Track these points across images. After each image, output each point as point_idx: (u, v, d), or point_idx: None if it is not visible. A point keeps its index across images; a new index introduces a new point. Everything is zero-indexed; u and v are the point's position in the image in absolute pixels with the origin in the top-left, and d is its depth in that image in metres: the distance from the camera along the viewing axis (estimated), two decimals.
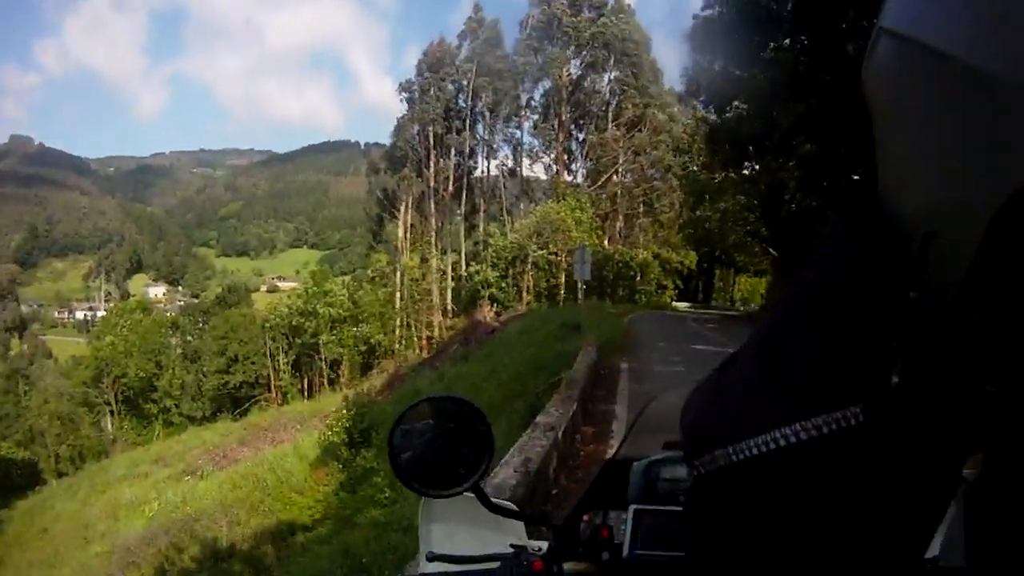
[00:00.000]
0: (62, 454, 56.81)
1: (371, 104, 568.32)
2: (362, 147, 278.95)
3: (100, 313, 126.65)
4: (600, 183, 61.54)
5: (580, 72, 63.44)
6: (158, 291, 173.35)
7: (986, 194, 0.61)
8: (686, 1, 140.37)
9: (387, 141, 72.08)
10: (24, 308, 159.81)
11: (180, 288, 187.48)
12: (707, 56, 35.36)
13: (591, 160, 63.85)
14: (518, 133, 67.14)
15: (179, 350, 70.03)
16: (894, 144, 0.81)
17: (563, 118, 62.80)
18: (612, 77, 63.24)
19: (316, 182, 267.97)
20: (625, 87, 61.67)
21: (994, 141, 0.61)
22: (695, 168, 52.67)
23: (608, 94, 63.71)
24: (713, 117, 38.82)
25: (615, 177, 62.11)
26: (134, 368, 63.36)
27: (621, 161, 61.40)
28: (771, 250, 44.14)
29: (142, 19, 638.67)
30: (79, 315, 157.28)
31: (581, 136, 65.28)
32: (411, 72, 72.56)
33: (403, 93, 66.76)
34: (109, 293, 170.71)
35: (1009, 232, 0.59)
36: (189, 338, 72.78)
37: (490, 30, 65.23)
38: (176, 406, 64.51)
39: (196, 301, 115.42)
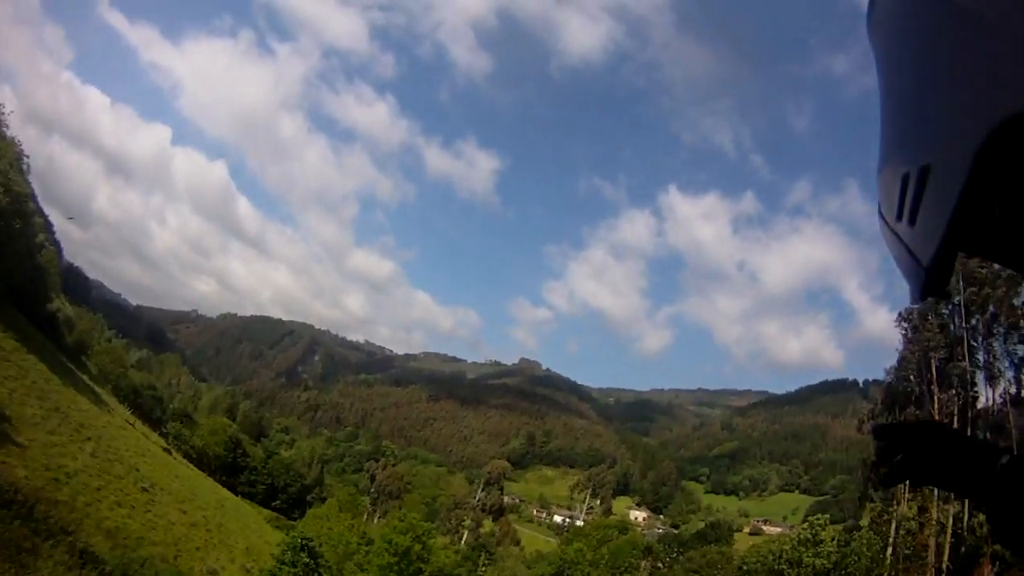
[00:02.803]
0: None
1: (869, 338, 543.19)
2: (860, 385, 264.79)
3: (579, 522, 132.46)
4: None
5: None
6: (640, 515, 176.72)
7: (972, 126, 0.70)
8: None
9: (883, 376, 66.52)
10: (506, 499, 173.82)
11: (662, 516, 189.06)
12: None
13: None
14: (1021, 349, 56.31)
15: (646, 574, 69.46)
16: (895, 88, 0.97)
17: None
18: None
19: (813, 424, 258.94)
20: None
21: (979, 75, 0.71)
22: None
23: None
24: None
25: None
26: None
27: None
28: None
29: (641, 266, 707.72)
30: (557, 519, 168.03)
31: None
32: (906, 300, 66.94)
33: (902, 323, 62.49)
34: (591, 508, 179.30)
35: (995, 163, 0.68)
36: (660, 564, 72.24)
37: None
38: None
39: (676, 531, 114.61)
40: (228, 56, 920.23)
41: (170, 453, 60.55)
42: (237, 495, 74.40)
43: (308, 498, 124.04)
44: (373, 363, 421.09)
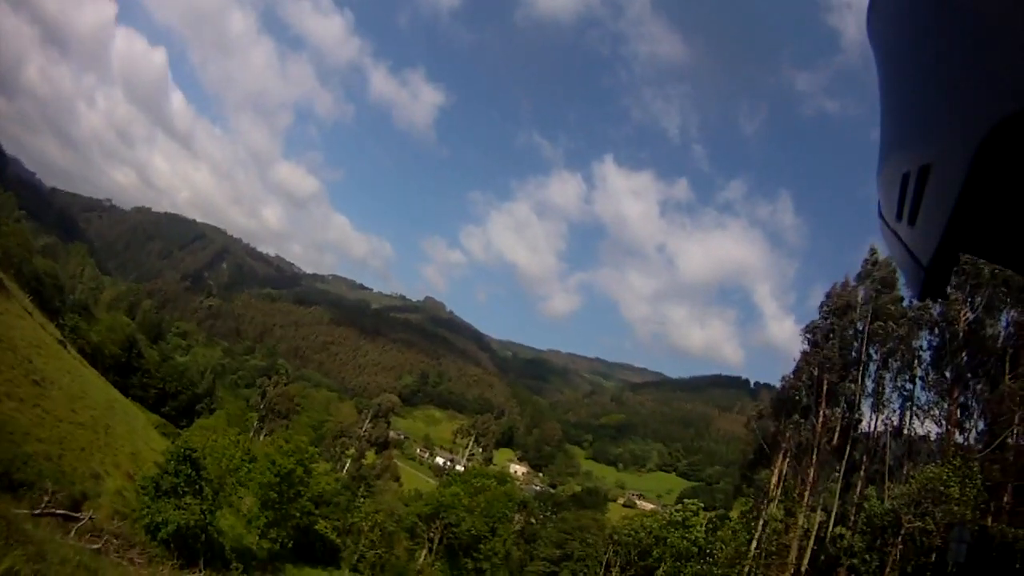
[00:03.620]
0: (367, 557, 60.48)
1: (768, 342, 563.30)
2: (752, 385, 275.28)
3: (459, 467, 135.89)
4: (992, 447, 52.07)
5: (976, 315, 55.66)
6: (520, 469, 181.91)
7: (972, 126, 0.69)
8: None
9: (777, 383, 70.28)
10: (392, 433, 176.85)
11: (541, 474, 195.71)
12: None
13: (986, 418, 54.75)
14: (910, 386, 60.11)
15: (518, 527, 72.06)
16: (895, 87, 0.97)
17: (956, 369, 55.33)
18: (1011, 319, 54.66)
19: (701, 413, 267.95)
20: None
21: (979, 75, 0.70)
22: None
23: (1005, 339, 54.64)
24: None
25: (1010, 440, 52.38)
26: (469, 523, 66.10)
27: (1016, 420, 51.73)
28: None
29: (562, 228, 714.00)
30: (439, 460, 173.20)
31: (979, 387, 56.68)
32: (813, 314, 70.21)
33: (806, 335, 65.26)
34: (473, 454, 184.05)
35: (995, 162, 0.68)
36: (533, 520, 74.64)
37: (885, 269, 61.29)
38: (492, 571, 66.01)
39: (553, 491, 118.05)
40: None
41: (65, 347, 58.98)
42: (128, 397, 73.32)
43: (198, 407, 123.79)
44: (280, 279, 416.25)
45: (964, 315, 55.01)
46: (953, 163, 0.76)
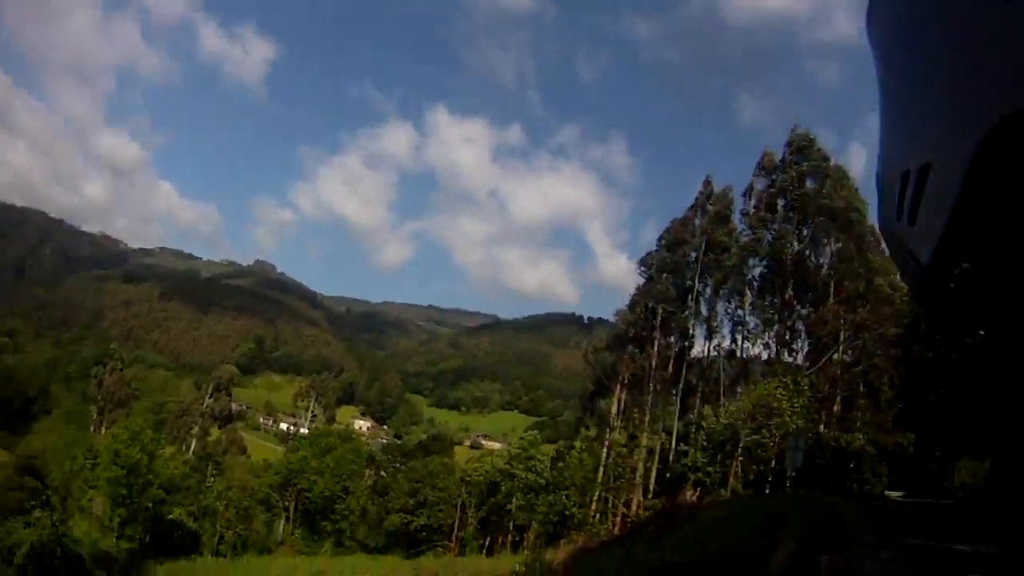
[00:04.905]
0: (227, 538, 59.10)
1: (601, 280, 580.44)
2: (585, 321, 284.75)
3: (304, 430, 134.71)
4: (820, 363, 57.30)
5: (803, 246, 60.92)
6: (364, 425, 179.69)
7: (972, 125, 0.70)
8: None
9: (611, 317, 72.93)
10: (234, 405, 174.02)
11: (385, 427, 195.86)
12: None
13: (812, 338, 60.03)
14: (740, 312, 64.53)
15: (370, 481, 72.39)
16: (894, 87, 0.95)
17: (786, 295, 60.00)
18: (833, 250, 60.03)
19: (537, 351, 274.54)
20: (847, 259, 58.05)
21: (979, 74, 0.70)
22: (915, 346, 47.39)
23: (829, 268, 60.31)
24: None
25: (835, 356, 57.87)
26: (321, 485, 65.18)
27: (842, 339, 57.19)
28: (999, 428, 38.89)
29: (393, 178, 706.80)
30: (283, 426, 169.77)
31: (804, 312, 61.82)
32: (646, 247, 72.81)
33: (642, 268, 67.41)
34: (315, 415, 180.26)
35: (995, 161, 0.68)
36: (383, 473, 75.21)
37: (720, 202, 65.02)
38: (351, 529, 66.01)
39: (399, 442, 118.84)
40: None
41: None
42: None
43: (32, 411, 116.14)
44: (107, 258, 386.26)
45: (791, 246, 59.49)
46: (953, 162, 0.75)
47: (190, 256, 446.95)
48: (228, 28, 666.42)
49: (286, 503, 65.72)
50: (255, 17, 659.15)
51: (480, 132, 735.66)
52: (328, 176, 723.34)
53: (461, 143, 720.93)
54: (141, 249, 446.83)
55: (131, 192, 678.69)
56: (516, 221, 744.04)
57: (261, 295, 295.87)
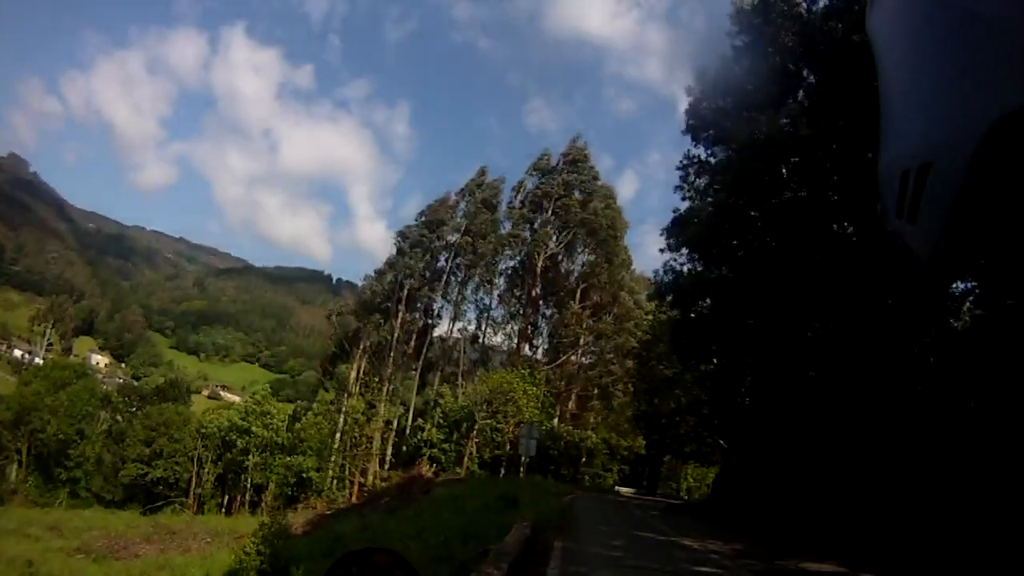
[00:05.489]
0: None
1: (356, 243, 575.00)
2: (334, 281, 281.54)
3: (38, 360, 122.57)
4: (558, 362, 61.98)
5: (558, 250, 64.82)
6: (101, 360, 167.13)
7: (972, 124, 0.70)
8: (670, 198, 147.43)
9: (359, 281, 73.89)
10: None
11: (124, 365, 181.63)
12: (678, 255, 35.29)
13: (553, 338, 64.76)
14: (487, 300, 68.21)
15: (105, 426, 68.29)
16: (894, 86, 0.96)
17: (533, 292, 64.14)
18: (586, 260, 65.20)
19: (282, 304, 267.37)
20: (597, 271, 63.25)
21: (979, 74, 0.71)
22: (651, 362, 52.72)
23: (579, 276, 65.07)
24: (678, 315, 37.66)
25: (574, 357, 62.79)
26: (55, 427, 61.59)
27: (582, 343, 62.25)
28: (721, 441, 44.50)
29: (171, 92, 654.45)
30: (16, 353, 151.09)
31: (548, 312, 66.44)
32: (406, 221, 73.51)
33: (398, 239, 68.24)
34: (51, 344, 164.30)
35: (995, 161, 0.68)
36: (119, 418, 70.98)
37: (490, 190, 67.67)
38: (87, 479, 62.30)
39: (136, 383, 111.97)
40: None
41: None
42: None
43: None
44: None
45: (546, 248, 63.35)
46: (953, 161, 0.77)
47: None
48: None
49: (18, 444, 60.69)
50: None
51: (272, 64, 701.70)
52: (106, 71, 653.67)
53: (249, 71, 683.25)
54: None
55: None
56: (284, 166, 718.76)
57: (8, 195, 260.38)
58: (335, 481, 57.86)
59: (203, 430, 64.81)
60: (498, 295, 67.21)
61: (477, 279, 67.33)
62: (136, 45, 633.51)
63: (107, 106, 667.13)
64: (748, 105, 28.16)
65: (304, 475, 57.51)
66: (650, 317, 54.37)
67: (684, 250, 34.39)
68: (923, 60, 0.85)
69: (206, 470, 62.28)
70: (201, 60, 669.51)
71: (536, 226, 64.63)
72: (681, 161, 33.95)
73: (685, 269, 35.11)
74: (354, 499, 51.56)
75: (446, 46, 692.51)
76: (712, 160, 32.46)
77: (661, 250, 34.89)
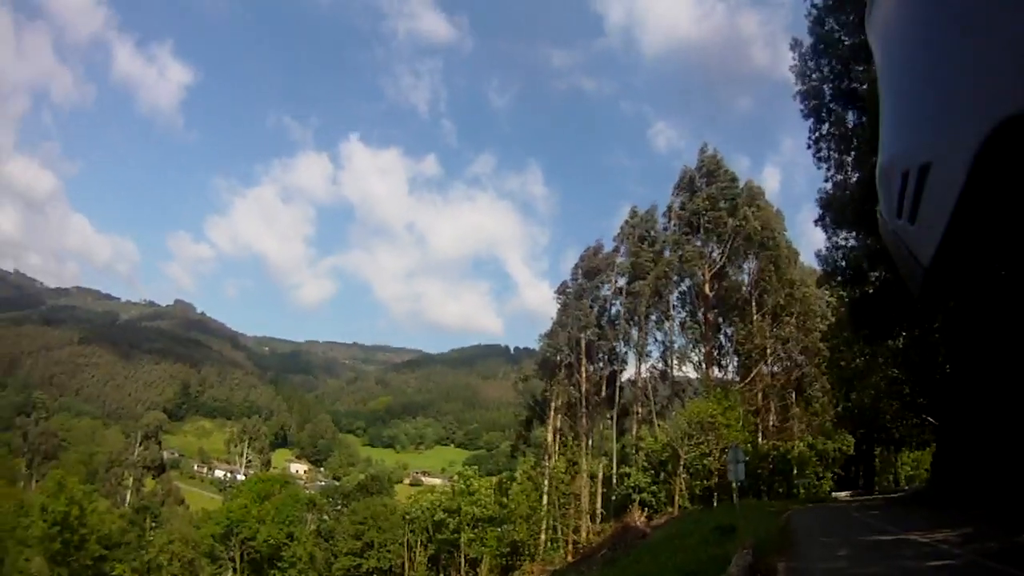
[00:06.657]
0: None
1: (524, 309, 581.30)
2: (511, 351, 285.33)
3: (240, 476, 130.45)
4: (750, 377, 59.27)
5: (722, 264, 62.83)
6: (300, 468, 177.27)
7: (972, 125, 0.69)
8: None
9: (535, 346, 73.28)
10: (166, 454, 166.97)
11: (322, 469, 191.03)
12: (840, 232, 34.10)
13: (740, 354, 62.18)
14: (667, 333, 66.38)
15: (313, 526, 71.46)
16: (895, 86, 0.95)
17: (708, 314, 62.02)
18: (752, 268, 62.80)
19: (465, 384, 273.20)
20: (766, 276, 60.72)
21: (979, 75, 0.71)
22: (841, 348, 49.74)
23: (749, 285, 62.84)
24: (852, 293, 36.08)
25: (764, 369, 59.88)
26: (265, 534, 64.80)
27: (768, 352, 59.42)
28: (930, 419, 41.30)
29: (309, 212, 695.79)
30: (218, 473, 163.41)
31: (730, 331, 64.02)
32: (567, 275, 73.49)
33: (559, 296, 68.74)
34: (250, 460, 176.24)
35: (995, 162, 0.68)
36: (326, 517, 74.14)
37: (644, 224, 67.12)
38: (299, 575, 65.08)
39: (337, 483, 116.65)
40: None
41: None
42: None
43: None
44: (23, 298, 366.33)
45: (710, 267, 61.58)
46: (954, 162, 0.76)
47: (108, 296, 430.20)
48: (144, 48, 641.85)
49: (231, 553, 64.73)
50: (172, 37, 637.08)
51: (395, 163, 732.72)
52: (243, 209, 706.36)
53: (377, 174, 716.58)
54: (57, 289, 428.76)
55: (44, 224, 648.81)
56: (435, 253, 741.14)
57: (183, 338, 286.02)
58: (548, 543, 57.63)
59: (408, 515, 66.71)
60: (679, 323, 65.52)
61: (653, 315, 65.79)
62: (264, 179, 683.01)
63: (254, 239, 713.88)
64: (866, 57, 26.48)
65: (517, 541, 57.67)
66: (833, 300, 51.82)
67: (842, 231, 32.73)
68: (924, 60, 0.84)
69: (418, 553, 63.75)
70: (328, 176, 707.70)
71: (693, 247, 62.82)
72: (807, 140, 32.99)
73: (849, 244, 33.55)
74: (569, 558, 51.02)
75: (554, 96, 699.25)
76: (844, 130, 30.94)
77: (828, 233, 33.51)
